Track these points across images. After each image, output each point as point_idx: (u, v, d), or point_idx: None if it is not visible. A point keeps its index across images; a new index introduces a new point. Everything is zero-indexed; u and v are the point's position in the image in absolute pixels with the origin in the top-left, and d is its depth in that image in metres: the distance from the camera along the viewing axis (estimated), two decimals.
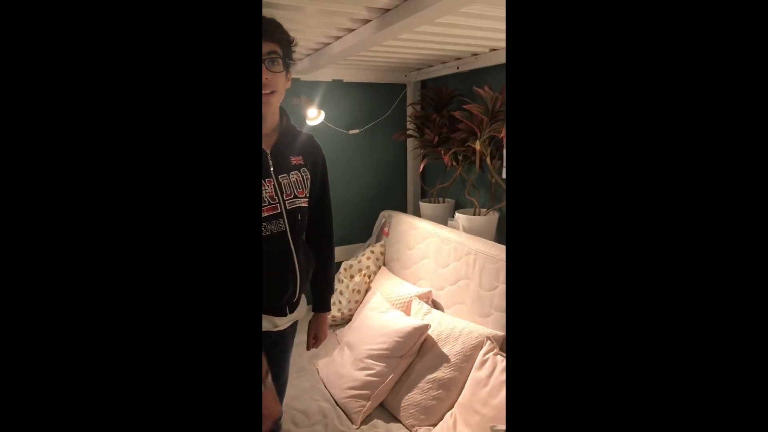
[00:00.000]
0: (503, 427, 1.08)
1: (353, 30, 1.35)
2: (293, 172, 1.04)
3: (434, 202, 2.16)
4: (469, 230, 1.81)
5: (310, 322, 1.24)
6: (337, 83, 2.21)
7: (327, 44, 1.57)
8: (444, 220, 2.04)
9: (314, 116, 2.06)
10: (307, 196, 1.07)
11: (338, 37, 1.46)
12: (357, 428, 1.40)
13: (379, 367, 1.49)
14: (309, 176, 1.07)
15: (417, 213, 2.27)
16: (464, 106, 1.73)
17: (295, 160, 1.05)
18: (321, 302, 1.23)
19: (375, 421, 1.43)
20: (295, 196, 1.04)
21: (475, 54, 1.81)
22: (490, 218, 1.84)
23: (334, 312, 2.01)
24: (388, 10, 1.14)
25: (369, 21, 1.25)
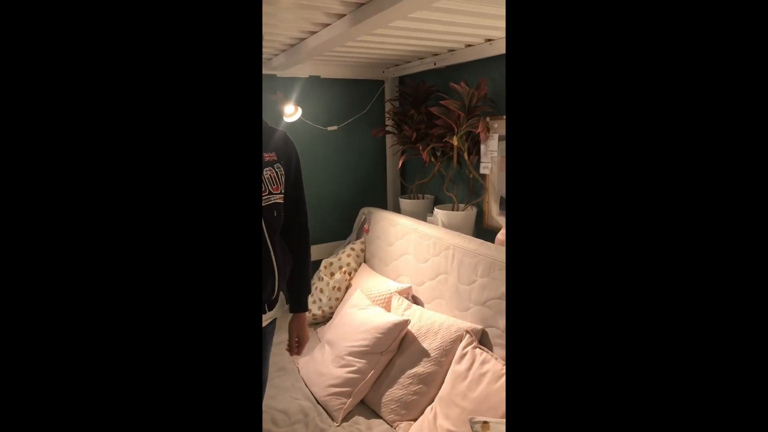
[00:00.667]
0: (482, 418, 1.10)
1: (328, 25, 1.34)
2: (267, 169, 1.02)
3: (414, 198, 2.17)
4: (448, 225, 1.82)
5: (290, 324, 1.21)
6: (314, 79, 2.19)
7: (302, 39, 1.55)
8: (423, 215, 2.05)
9: (291, 113, 2.04)
10: (283, 192, 1.06)
11: (313, 32, 1.44)
12: (338, 425, 1.40)
13: (359, 363, 1.49)
14: (283, 172, 1.06)
15: (397, 209, 2.28)
16: (441, 102, 1.73)
17: (269, 156, 1.04)
18: (298, 302, 1.20)
19: (356, 417, 1.43)
20: (270, 193, 1.02)
21: (451, 50, 1.82)
22: (469, 213, 1.85)
23: (315, 310, 2.00)
24: (362, 4, 1.13)
25: (344, 15, 1.24)
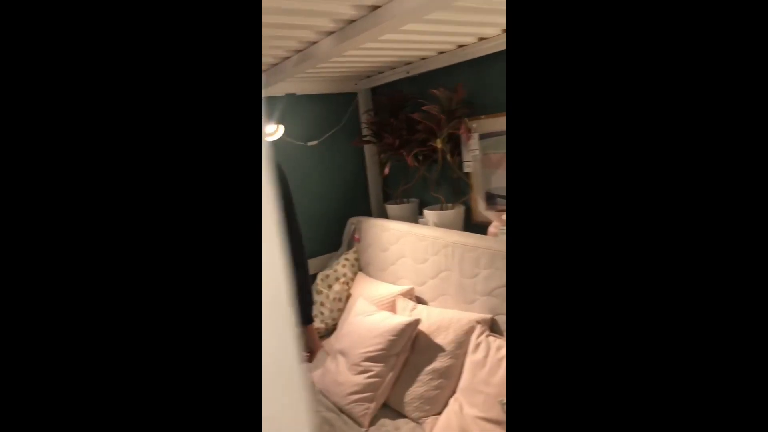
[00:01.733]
0: None
1: (315, 42, 1.38)
2: None
3: (399, 203, 2.23)
4: (439, 225, 1.89)
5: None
6: (290, 97, 2.22)
7: (286, 58, 1.58)
8: (410, 219, 2.11)
9: (273, 131, 2.05)
10: None
11: (299, 51, 1.48)
12: (366, 430, 1.42)
13: (377, 367, 1.52)
14: None
15: (383, 215, 2.33)
16: (423, 108, 1.81)
17: None
18: (305, 315, 1.26)
19: (382, 420, 1.46)
20: None
21: (424, 58, 1.91)
22: (457, 211, 1.93)
23: (318, 323, 2.01)
24: (353, 21, 1.19)
25: (332, 33, 1.29)
